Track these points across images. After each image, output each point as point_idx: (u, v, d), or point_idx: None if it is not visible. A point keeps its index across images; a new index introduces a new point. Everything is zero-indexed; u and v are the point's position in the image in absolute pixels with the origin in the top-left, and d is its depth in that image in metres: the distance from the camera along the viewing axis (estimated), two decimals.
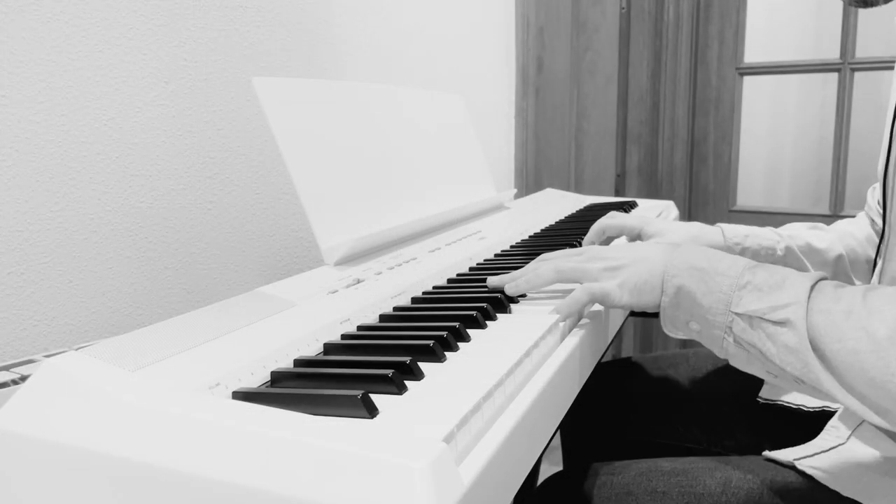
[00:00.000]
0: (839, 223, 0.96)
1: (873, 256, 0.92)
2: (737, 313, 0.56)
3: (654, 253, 0.64)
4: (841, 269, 0.92)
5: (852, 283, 0.91)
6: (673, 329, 0.62)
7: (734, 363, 0.59)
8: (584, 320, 0.66)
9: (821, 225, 0.95)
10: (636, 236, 0.92)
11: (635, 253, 0.65)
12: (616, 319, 0.78)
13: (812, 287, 0.55)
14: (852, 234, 0.93)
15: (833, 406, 0.77)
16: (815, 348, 0.52)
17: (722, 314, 0.57)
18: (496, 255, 0.90)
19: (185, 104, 1.00)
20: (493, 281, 0.71)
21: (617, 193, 1.83)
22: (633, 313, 1.02)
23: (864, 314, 0.51)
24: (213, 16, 1.03)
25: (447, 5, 1.59)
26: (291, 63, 1.17)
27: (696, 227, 0.92)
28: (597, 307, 0.69)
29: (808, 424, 0.77)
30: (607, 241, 0.93)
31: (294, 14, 1.17)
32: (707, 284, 0.58)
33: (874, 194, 0.95)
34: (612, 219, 0.92)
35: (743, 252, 0.90)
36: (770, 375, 0.57)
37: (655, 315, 0.64)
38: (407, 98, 1.03)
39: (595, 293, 0.63)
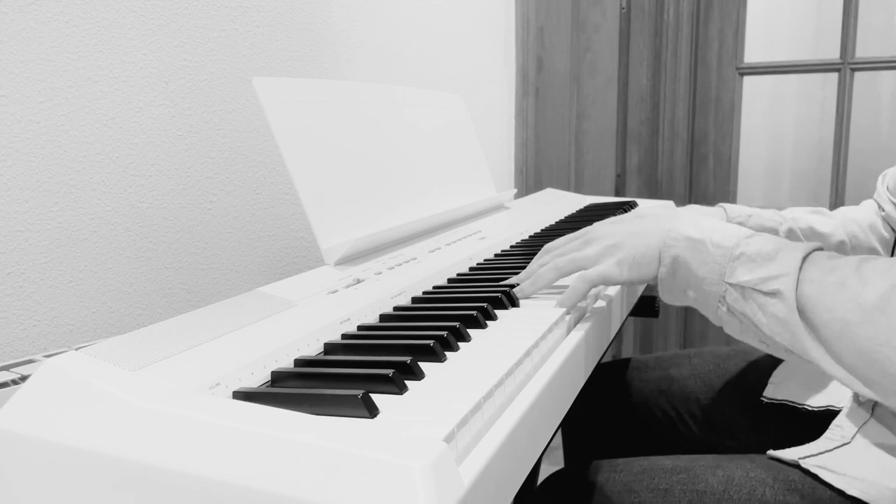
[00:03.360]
0: (842, 209, 0.96)
1: (875, 245, 0.92)
2: (730, 283, 0.57)
3: (651, 225, 0.64)
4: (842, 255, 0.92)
5: None
6: (671, 297, 0.63)
7: (728, 331, 0.60)
8: (583, 322, 0.66)
9: (823, 209, 0.96)
10: None
11: (632, 227, 0.66)
12: (616, 319, 0.78)
13: (804, 258, 0.55)
14: (855, 220, 0.93)
15: (837, 405, 0.77)
16: (805, 318, 0.53)
17: (716, 284, 0.58)
18: (496, 255, 0.90)
19: (185, 104, 1.00)
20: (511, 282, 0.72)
21: (617, 193, 1.83)
22: (634, 311, 1.02)
23: (858, 286, 0.52)
24: (213, 16, 1.03)
25: (447, 5, 1.59)
26: (292, 63, 1.17)
27: (694, 209, 0.92)
28: (599, 304, 0.70)
29: (811, 424, 0.77)
30: None
31: (294, 14, 1.17)
32: (702, 255, 0.59)
33: (885, 181, 0.95)
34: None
35: None
36: (763, 345, 0.58)
37: (655, 314, 0.64)
38: (407, 98, 1.03)
39: (593, 279, 0.64)
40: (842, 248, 0.92)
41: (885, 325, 0.49)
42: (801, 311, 0.53)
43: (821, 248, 0.58)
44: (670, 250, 0.61)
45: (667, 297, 0.63)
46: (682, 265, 0.60)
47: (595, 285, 0.64)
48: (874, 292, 0.50)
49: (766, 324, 0.55)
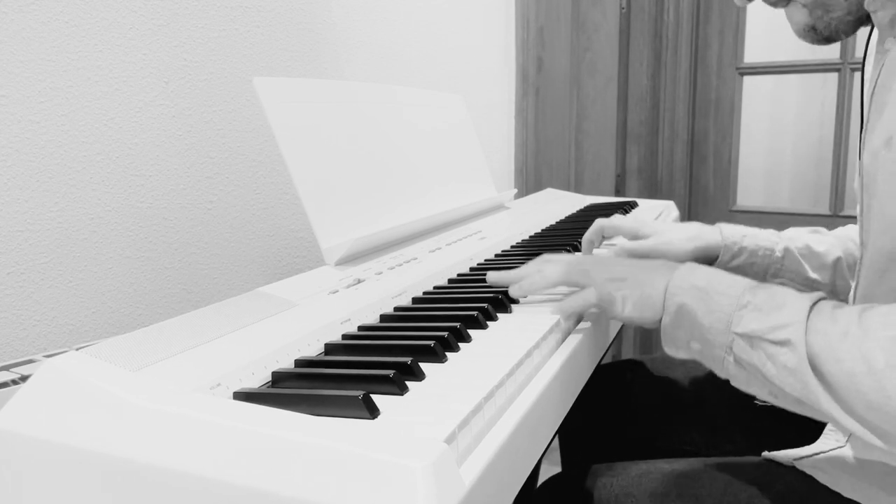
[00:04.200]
0: (840, 228, 0.96)
1: None
2: (737, 333, 0.56)
3: (656, 270, 0.63)
4: (839, 273, 0.91)
5: (849, 286, 0.91)
6: (674, 349, 0.62)
7: (735, 383, 0.59)
8: (584, 322, 0.66)
9: (821, 229, 0.95)
10: (633, 237, 0.92)
11: (637, 267, 0.65)
12: (615, 321, 0.78)
13: (811, 307, 0.54)
14: (851, 237, 0.93)
15: None
16: (814, 368, 0.52)
17: (722, 334, 0.57)
18: (497, 255, 0.90)
19: (185, 104, 1.00)
20: (493, 277, 0.71)
21: (617, 193, 1.83)
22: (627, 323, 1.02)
23: (860, 336, 0.51)
24: (213, 16, 1.03)
25: (447, 5, 1.59)
26: (292, 63, 1.17)
27: (693, 226, 0.92)
28: (594, 309, 0.69)
29: (806, 427, 0.77)
30: (606, 240, 0.94)
31: (294, 14, 1.17)
32: (707, 304, 0.58)
33: None
34: (610, 219, 0.92)
35: (740, 252, 0.90)
36: (771, 396, 0.57)
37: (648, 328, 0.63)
38: (407, 98, 1.03)
39: (603, 297, 0.63)
40: (838, 266, 0.91)
41: (891, 377, 0.48)
42: (811, 362, 0.52)
43: (825, 298, 0.56)
44: (675, 298, 0.60)
45: (669, 347, 0.62)
46: (686, 314, 0.59)
47: (601, 306, 0.64)
48: (878, 343, 0.50)
49: (776, 374, 0.54)
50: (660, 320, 0.62)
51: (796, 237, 0.93)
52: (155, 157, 0.96)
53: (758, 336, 0.55)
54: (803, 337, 0.52)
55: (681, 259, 0.87)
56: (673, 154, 1.84)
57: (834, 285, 0.91)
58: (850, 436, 0.67)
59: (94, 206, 0.89)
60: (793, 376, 0.53)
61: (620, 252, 0.88)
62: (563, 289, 0.69)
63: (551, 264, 0.68)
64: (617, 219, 0.93)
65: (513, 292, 0.68)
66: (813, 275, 0.91)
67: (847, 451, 0.65)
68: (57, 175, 0.85)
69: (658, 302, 0.61)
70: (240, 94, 1.08)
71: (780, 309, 0.55)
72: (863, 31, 0.73)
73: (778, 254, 0.90)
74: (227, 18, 1.05)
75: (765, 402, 0.85)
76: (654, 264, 0.65)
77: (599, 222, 0.92)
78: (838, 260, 0.91)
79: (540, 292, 0.69)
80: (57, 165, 0.85)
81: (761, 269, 0.91)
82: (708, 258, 0.90)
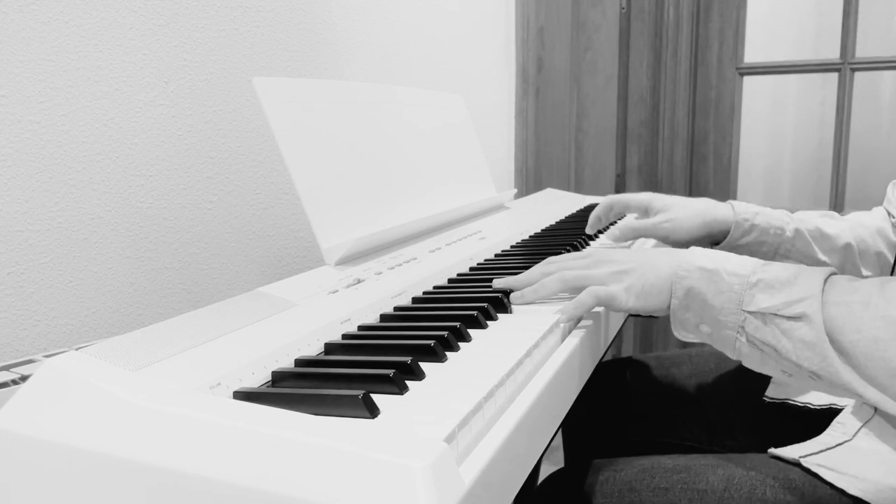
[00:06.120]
0: (853, 214, 0.96)
1: (883, 250, 0.92)
2: (749, 312, 0.56)
3: (661, 256, 0.64)
4: (849, 259, 0.91)
5: (860, 273, 0.91)
6: (683, 332, 0.62)
7: (748, 364, 0.59)
8: (584, 321, 0.66)
9: (833, 213, 0.95)
10: (644, 212, 0.92)
11: (642, 256, 0.65)
12: (616, 319, 0.78)
13: (825, 280, 0.54)
14: (863, 224, 0.93)
15: (840, 403, 0.77)
16: (833, 341, 0.52)
17: (734, 314, 0.57)
18: (496, 255, 0.90)
19: (185, 104, 1.00)
20: (498, 283, 0.71)
21: (617, 193, 1.83)
22: (633, 314, 1.02)
23: (883, 304, 0.51)
24: (213, 16, 1.03)
25: (447, 5, 1.59)
26: (292, 63, 1.17)
27: (704, 202, 0.91)
28: (597, 307, 0.69)
29: (813, 423, 0.77)
30: (615, 216, 0.94)
31: (294, 14, 1.17)
32: (717, 285, 0.58)
33: (895, 189, 0.94)
34: (621, 195, 0.92)
35: (752, 229, 0.89)
36: (785, 374, 0.57)
37: (657, 317, 0.63)
38: (407, 98, 1.03)
39: (601, 297, 0.63)
40: (848, 251, 0.91)
41: None
42: (828, 334, 0.52)
43: (836, 272, 0.57)
44: (683, 281, 0.59)
45: (679, 331, 0.62)
46: (696, 296, 0.59)
47: (601, 305, 0.64)
48: None
49: (792, 349, 0.53)
50: (667, 307, 0.61)
51: (807, 219, 0.92)
52: (155, 157, 0.96)
53: (771, 312, 0.54)
54: (819, 309, 0.52)
55: (686, 235, 0.87)
56: (673, 154, 1.84)
57: (843, 270, 0.91)
58: (859, 429, 0.66)
59: (94, 206, 0.89)
60: (810, 350, 0.52)
61: (625, 229, 0.88)
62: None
63: (551, 268, 0.68)
64: (627, 194, 0.92)
65: (514, 300, 0.68)
66: (822, 257, 0.90)
67: (853, 447, 0.65)
68: (57, 175, 0.85)
69: (664, 289, 0.61)
70: (240, 94, 1.08)
71: (793, 284, 0.55)
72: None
73: (788, 234, 0.90)
74: (227, 18, 1.05)
75: (773, 398, 0.85)
76: (654, 252, 0.65)
77: (609, 198, 0.91)
78: (848, 245, 0.90)
79: (542, 301, 0.69)
80: (57, 165, 0.85)
81: (771, 249, 0.90)
82: (717, 234, 0.90)
